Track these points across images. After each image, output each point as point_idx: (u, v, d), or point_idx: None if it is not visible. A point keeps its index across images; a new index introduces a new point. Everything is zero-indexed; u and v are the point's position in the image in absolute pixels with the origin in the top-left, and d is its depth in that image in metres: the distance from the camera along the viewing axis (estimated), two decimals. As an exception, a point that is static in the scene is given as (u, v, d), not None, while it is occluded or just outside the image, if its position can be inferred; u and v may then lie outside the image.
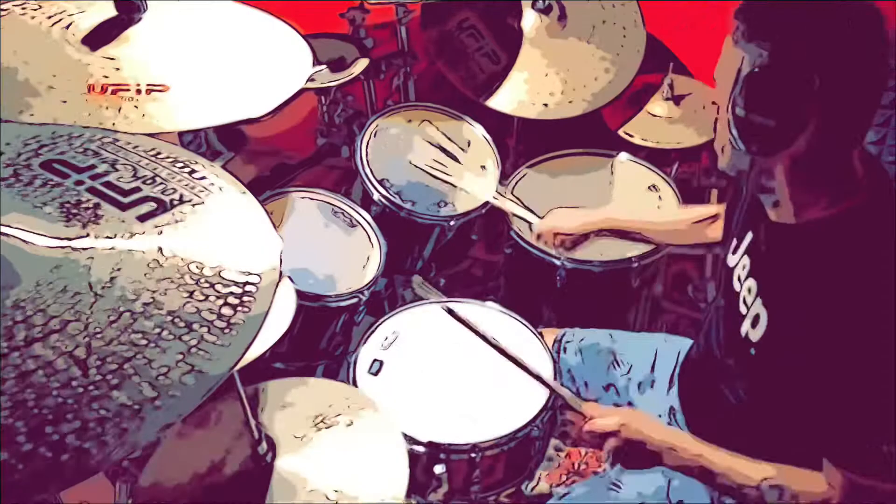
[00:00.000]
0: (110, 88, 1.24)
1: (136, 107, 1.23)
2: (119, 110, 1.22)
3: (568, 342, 1.67)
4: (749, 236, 1.23)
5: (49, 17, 1.35)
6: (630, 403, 1.57)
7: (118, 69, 1.28)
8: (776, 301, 1.14)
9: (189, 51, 1.35)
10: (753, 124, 1.05)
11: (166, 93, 1.25)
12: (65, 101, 1.22)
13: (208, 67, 1.34)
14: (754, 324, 1.17)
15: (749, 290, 1.19)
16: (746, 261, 1.22)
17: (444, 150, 1.98)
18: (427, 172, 1.93)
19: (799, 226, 1.11)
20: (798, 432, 1.11)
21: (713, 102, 1.14)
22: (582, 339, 1.66)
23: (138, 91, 1.25)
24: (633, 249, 1.82)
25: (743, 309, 1.20)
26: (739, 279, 1.23)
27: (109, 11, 1.34)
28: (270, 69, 1.40)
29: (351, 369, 1.54)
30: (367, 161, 1.90)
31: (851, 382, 1.04)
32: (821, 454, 1.10)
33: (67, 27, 1.33)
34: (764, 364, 1.16)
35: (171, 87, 1.26)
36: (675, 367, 1.53)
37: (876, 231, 1.07)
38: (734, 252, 1.26)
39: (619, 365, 1.61)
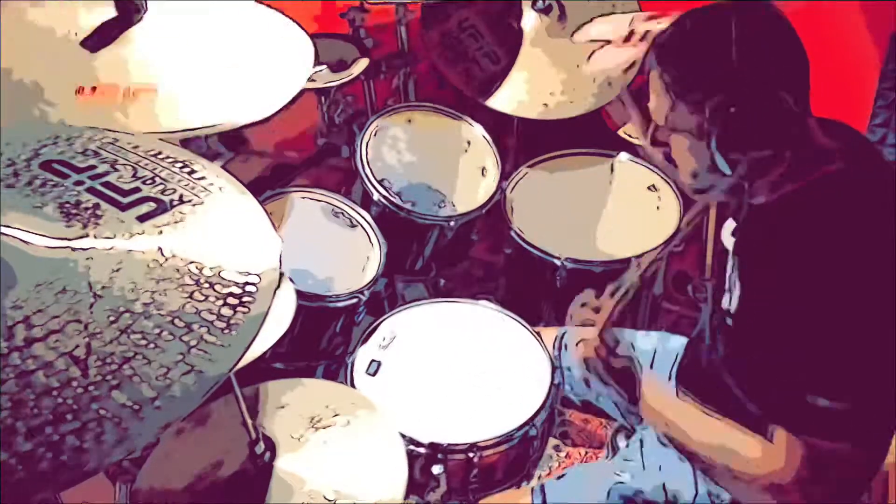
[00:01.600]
0: (98, 90, 1.23)
1: (120, 111, 1.21)
2: (111, 111, 1.21)
3: (568, 340, 1.67)
4: (730, 223, 1.27)
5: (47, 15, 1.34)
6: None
7: (110, 71, 1.26)
8: (749, 269, 1.17)
9: (188, 53, 1.33)
10: (749, 160, 1.08)
11: (154, 94, 1.24)
12: (53, 104, 1.20)
13: (207, 69, 1.33)
14: (730, 297, 1.19)
15: (732, 267, 1.22)
16: (731, 243, 1.25)
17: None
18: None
19: (771, 202, 1.14)
20: (770, 405, 1.12)
21: (658, 141, 1.17)
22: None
23: (126, 93, 1.24)
24: (633, 249, 1.82)
25: (727, 285, 1.22)
26: (727, 256, 1.26)
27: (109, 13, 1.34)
28: (272, 70, 1.39)
29: (349, 370, 1.54)
30: (367, 161, 1.90)
31: (794, 336, 1.06)
32: (768, 419, 1.10)
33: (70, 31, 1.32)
34: (737, 332, 1.19)
35: (160, 90, 1.25)
36: (674, 365, 1.53)
37: (848, 196, 1.09)
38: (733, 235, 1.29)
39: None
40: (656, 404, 1.25)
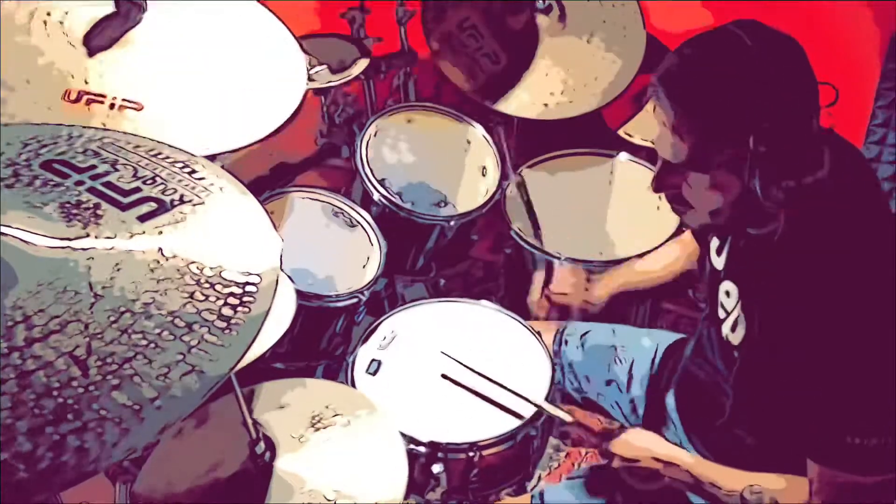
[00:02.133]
0: (85, 98, 1.20)
1: (103, 123, 1.18)
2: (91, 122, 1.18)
3: (570, 335, 1.67)
4: (728, 241, 1.24)
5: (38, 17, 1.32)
6: (632, 400, 1.58)
7: (101, 77, 1.24)
8: (752, 303, 1.15)
9: (181, 67, 1.31)
10: (801, 187, 1.02)
11: (139, 112, 1.21)
12: (35, 103, 1.18)
13: (197, 88, 1.30)
14: (734, 328, 1.17)
15: (727, 294, 1.20)
16: (721, 262, 1.23)
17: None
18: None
19: (770, 231, 1.11)
20: (780, 432, 1.12)
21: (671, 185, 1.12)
22: (584, 334, 1.66)
23: (111, 106, 1.21)
24: (633, 249, 1.82)
25: (722, 313, 1.21)
26: (719, 281, 1.24)
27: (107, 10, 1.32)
28: (264, 93, 1.36)
29: (349, 370, 1.54)
30: (367, 161, 1.90)
31: (824, 375, 1.04)
32: (803, 454, 1.11)
33: (62, 22, 1.28)
34: (746, 366, 1.17)
35: (146, 107, 1.22)
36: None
37: (851, 222, 1.07)
38: (718, 254, 1.27)
39: (620, 361, 1.61)
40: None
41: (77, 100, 1.20)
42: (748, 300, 1.16)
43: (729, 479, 1.17)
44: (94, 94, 1.22)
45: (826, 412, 1.05)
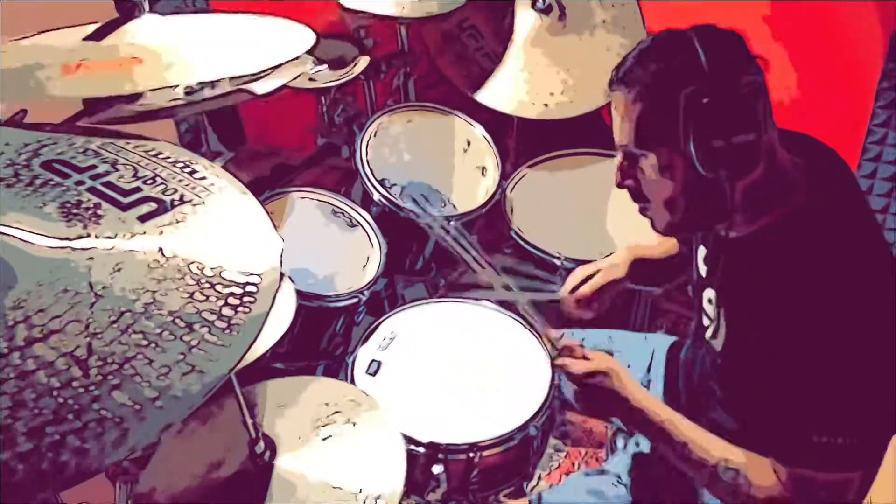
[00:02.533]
0: (83, 65, 1.19)
1: (119, 74, 1.17)
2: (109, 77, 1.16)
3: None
4: (703, 250, 1.25)
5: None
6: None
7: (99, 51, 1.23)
8: (730, 309, 1.16)
9: (183, 40, 1.31)
10: (732, 147, 1.04)
11: (141, 63, 1.20)
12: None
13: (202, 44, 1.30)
14: (715, 334, 1.18)
15: (709, 301, 1.21)
16: (705, 270, 1.23)
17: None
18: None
19: (745, 236, 1.12)
20: (757, 434, 1.12)
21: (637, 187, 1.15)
22: (581, 340, 1.66)
23: (114, 64, 1.20)
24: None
25: (706, 320, 1.22)
26: (703, 285, 1.24)
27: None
28: (272, 35, 1.35)
29: (349, 370, 1.54)
30: (367, 161, 1.90)
31: (790, 375, 1.05)
32: (764, 453, 1.11)
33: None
34: (727, 371, 1.18)
35: (146, 60, 1.20)
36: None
37: (815, 228, 1.08)
38: (705, 263, 1.27)
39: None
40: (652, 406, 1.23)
41: (77, 68, 1.20)
42: (725, 305, 1.17)
43: (705, 443, 1.15)
44: (94, 60, 1.21)
45: (794, 411, 1.06)
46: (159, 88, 1.21)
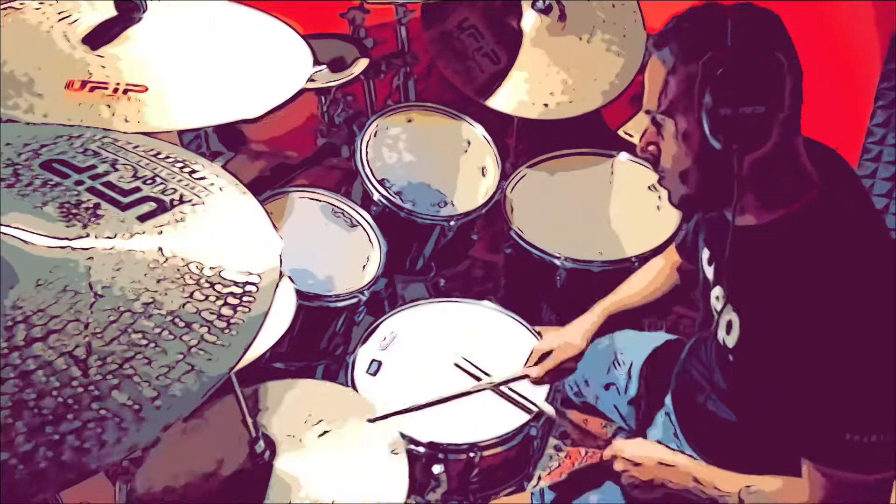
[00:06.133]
0: (88, 85, 1.23)
1: (109, 106, 1.21)
2: (94, 107, 1.21)
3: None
4: (706, 252, 1.25)
5: (48, 15, 1.34)
6: (630, 402, 1.58)
7: (104, 67, 1.27)
8: (746, 305, 1.15)
9: (185, 52, 1.34)
10: (740, 118, 1.04)
11: (143, 94, 1.24)
12: (41, 95, 1.21)
13: (202, 68, 1.33)
14: (728, 330, 1.17)
15: (717, 298, 1.20)
16: (711, 271, 1.23)
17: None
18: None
19: (760, 227, 1.12)
20: (778, 433, 1.12)
21: (652, 145, 1.15)
22: None
23: (115, 91, 1.23)
24: (633, 249, 1.82)
25: (714, 315, 1.21)
26: (710, 287, 1.24)
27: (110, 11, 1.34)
28: (269, 70, 1.39)
29: (349, 370, 1.54)
30: (367, 161, 1.90)
31: (820, 374, 1.04)
32: (798, 454, 1.11)
33: (71, 23, 1.32)
34: (742, 368, 1.17)
35: (150, 88, 1.24)
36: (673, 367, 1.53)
37: (834, 223, 1.08)
38: (709, 264, 1.27)
39: (619, 364, 1.61)
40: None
41: (81, 88, 1.22)
42: (738, 303, 1.16)
43: (726, 481, 1.17)
44: (98, 82, 1.24)
45: (824, 410, 1.05)
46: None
